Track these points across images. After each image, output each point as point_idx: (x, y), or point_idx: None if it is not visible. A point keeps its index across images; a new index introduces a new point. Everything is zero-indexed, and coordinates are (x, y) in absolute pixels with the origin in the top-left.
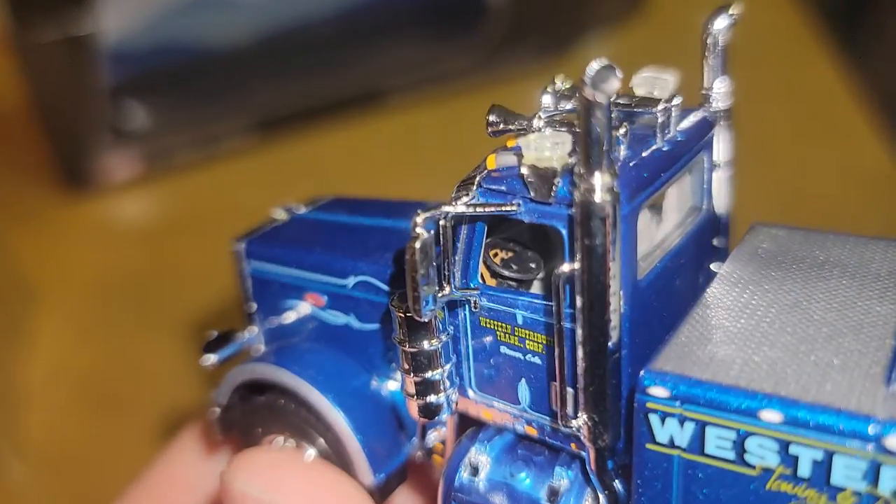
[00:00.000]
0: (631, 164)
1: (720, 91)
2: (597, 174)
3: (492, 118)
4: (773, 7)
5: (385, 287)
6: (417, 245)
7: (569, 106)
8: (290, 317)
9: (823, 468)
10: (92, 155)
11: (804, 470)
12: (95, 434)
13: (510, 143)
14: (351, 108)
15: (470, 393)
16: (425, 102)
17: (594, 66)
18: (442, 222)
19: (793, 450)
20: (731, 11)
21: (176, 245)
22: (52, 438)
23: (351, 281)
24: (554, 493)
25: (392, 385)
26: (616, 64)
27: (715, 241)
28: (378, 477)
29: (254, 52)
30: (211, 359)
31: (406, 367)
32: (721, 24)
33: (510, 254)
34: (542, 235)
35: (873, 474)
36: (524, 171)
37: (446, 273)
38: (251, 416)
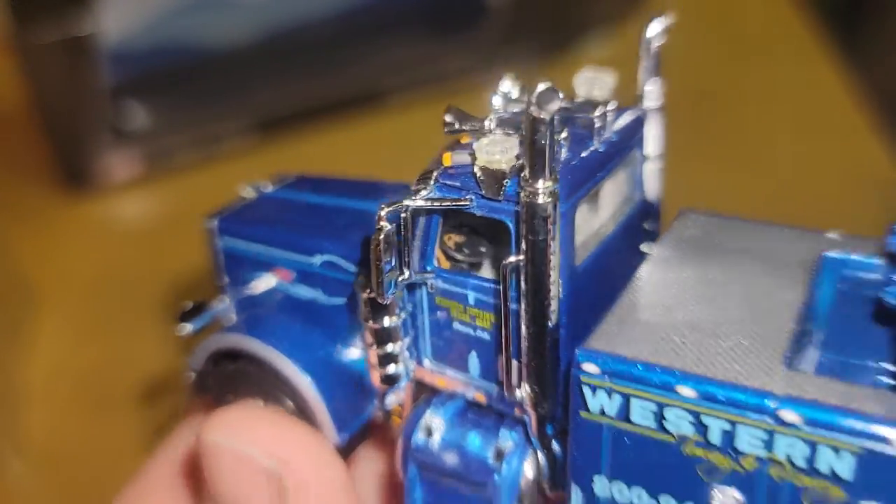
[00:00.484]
0: (570, 165)
1: (652, 91)
2: (540, 180)
3: (447, 118)
4: (773, 7)
5: (350, 267)
6: (381, 237)
7: (517, 109)
8: (259, 287)
9: (730, 436)
10: (92, 155)
11: (714, 437)
12: (95, 433)
13: (463, 140)
14: (351, 107)
15: (426, 363)
16: (425, 102)
17: (539, 87)
18: (403, 215)
19: (704, 420)
20: (662, 21)
21: (176, 245)
22: (52, 437)
23: (318, 259)
24: (500, 454)
25: (355, 353)
26: (554, 86)
27: (646, 225)
28: (342, 436)
29: (254, 52)
30: (187, 328)
31: (370, 341)
32: (654, 30)
33: (463, 238)
34: (491, 224)
35: (770, 442)
36: (477, 171)
37: (406, 259)
38: (224, 381)
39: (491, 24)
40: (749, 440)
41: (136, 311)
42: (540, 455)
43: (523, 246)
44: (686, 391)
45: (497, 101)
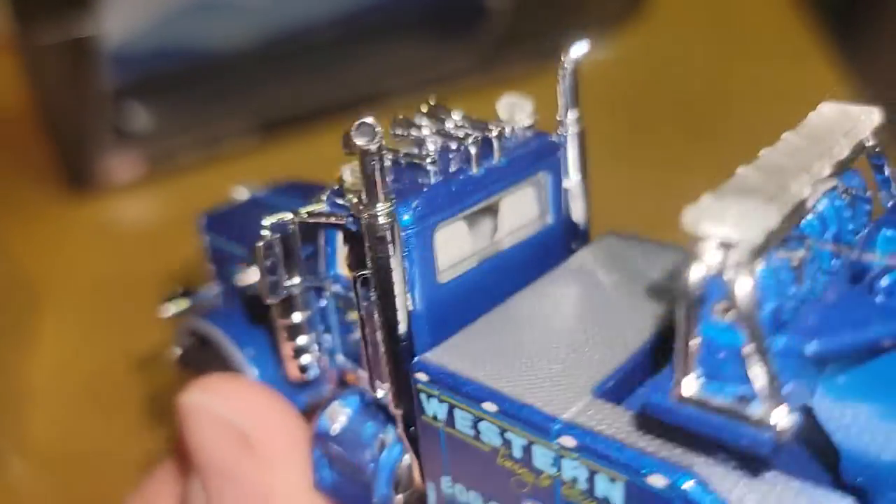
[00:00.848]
0: (438, 188)
1: (570, 119)
2: (377, 204)
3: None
4: (773, 7)
5: None
6: (260, 244)
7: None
8: (244, 280)
9: (528, 453)
10: (94, 156)
11: (517, 452)
12: (98, 433)
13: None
14: (352, 109)
15: (339, 359)
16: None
17: (357, 123)
18: (291, 227)
19: (507, 435)
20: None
21: (178, 246)
22: (55, 437)
23: None
24: (382, 445)
25: None
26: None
27: (573, 246)
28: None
29: (255, 54)
30: (167, 308)
31: (284, 336)
32: (573, 56)
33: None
34: None
35: (558, 463)
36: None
37: (296, 267)
38: (201, 357)
39: (490, 27)
40: (543, 459)
41: (139, 311)
42: (408, 451)
43: (369, 261)
44: (490, 407)
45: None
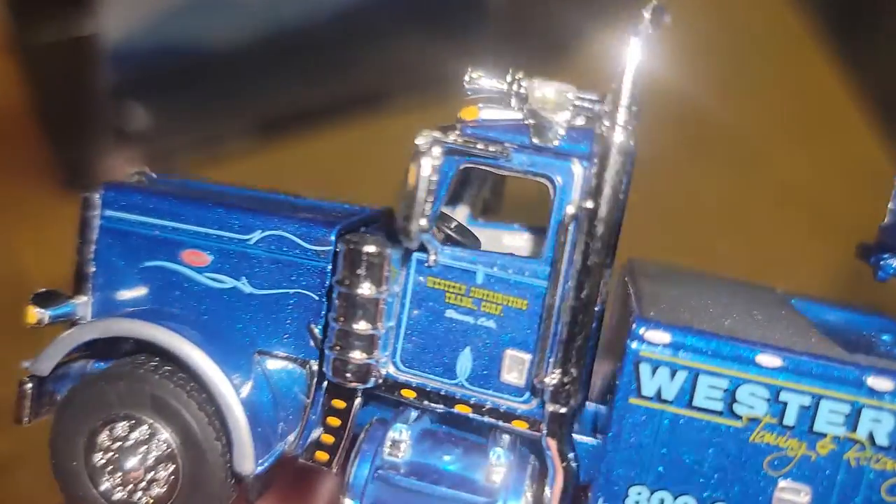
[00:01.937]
0: None
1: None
2: (622, 111)
3: (473, 74)
4: (773, 7)
5: (303, 244)
6: (426, 161)
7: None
8: (143, 289)
9: (809, 415)
10: (93, 156)
11: (790, 417)
12: None
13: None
14: (351, 109)
15: (391, 368)
16: (425, 103)
17: (650, 5)
18: (436, 150)
19: (783, 396)
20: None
21: None
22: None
23: (255, 236)
24: (494, 474)
25: (274, 366)
26: None
27: None
28: (260, 466)
29: (255, 53)
30: (43, 314)
31: (341, 313)
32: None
33: (450, 228)
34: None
35: (854, 418)
36: (527, 114)
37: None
38: (88, 392)
39: (491, 26)
40: (830, 417)
41: None
42: (551, 470)
43: (590, 194)
44: (769, 360)
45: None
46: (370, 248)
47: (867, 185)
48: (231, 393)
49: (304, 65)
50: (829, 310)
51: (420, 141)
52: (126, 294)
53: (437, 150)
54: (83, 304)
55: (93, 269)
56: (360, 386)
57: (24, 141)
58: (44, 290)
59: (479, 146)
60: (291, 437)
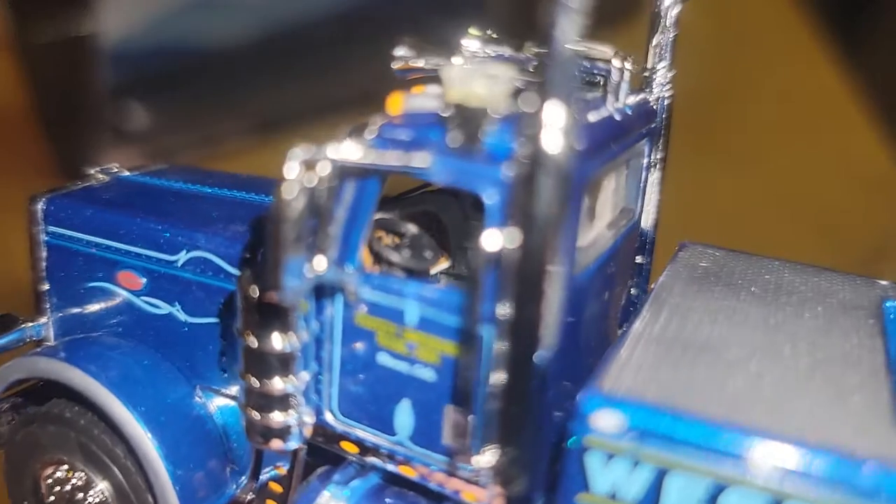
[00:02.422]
0: (583, 122)
1: (663, 76)
2: (553, 108)
3: (400, 52)
4: (774, 7)
5: (226, 266)
6: (289, 191)
7: (503, 52)
8: (91, 311)
9: None
10: (92, 155)
11: None
12: None
13: (418, 90)
14: (351, 108)
15: (328, 416)
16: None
17: None
18: (322, 175)
19: None
20: None
21: None
22: None
23: (181, 257)
24: None
25: (220, 402)
26: None
27: (638, 259)
28: None
29: (253, 52)
30: None
31: (248, 369)
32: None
33: (399, 239)
34: (439, 219)
35: None
36: (444, 109)
37: (323, 244)
38: (24, 432)
39: (490, 25)
40: None
41: None
42: None
43: (514, 223)
44: (766, 457)
45: (473, 44)
46: (267, 295)
47: (868, 185)
48: (148, 443)
49: (302, 63)
50: None
51: (290, 162)
52: (78, 314)
53: (323, 168)
54: (44, 325)
55: (45, 286)
56: (282, 447)
57: (23, 140)
58: None
59: (383, 158)
60: (244, 479)
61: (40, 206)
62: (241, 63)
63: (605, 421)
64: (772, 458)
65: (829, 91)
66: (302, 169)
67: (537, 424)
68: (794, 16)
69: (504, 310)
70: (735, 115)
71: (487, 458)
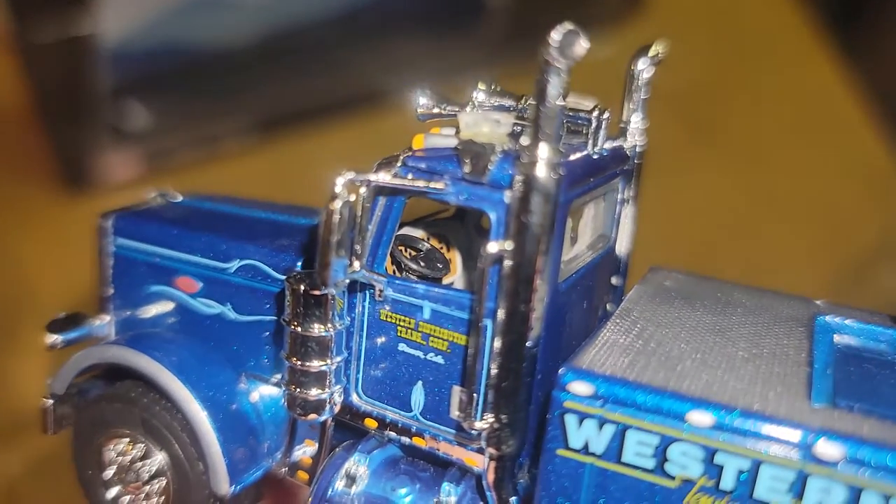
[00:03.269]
0: (567, 160)
1: (636, 128)
2: (543, 146)
3: (422, 100)
4: (774, 7)
5: (273, 273)
6: (337, 205)
7: (505, 102)
8: (150, 310)
9: (748, 479)
10: (92, 155)
11: (728, 481)
12: None
13: (435, 131)
14: (351, 107)
15: (354, 397)
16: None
17: (561, 29)
18: (362, 190)
19: (718, 458)
20: (652, 53)
21: None
22: (54, 441)
23: (234, 265)
24: None
25: (261, 389)
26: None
27: (613, 281)
28: (234, 488)
29: (254, 52)
30: (56, 339)
31: (292, 351)
32: (643, 64)
33: (416, 252)
34: (448, 240)
35: (799, 486)
36: (458, 145)
37: (358, 249)
38: (93, 409)
39: (490, 24)
40: (772, 484)
41: None
42: None
43: (511, 233)
44: (701, 418)
45: (481, 96)
46: (311, 290)
47: (868, 185)
48: (203, 419)
49: (302, 62)
50: (869, 329)
51: (337, 183)
52: (139, 315)
53: (363, 191)
54: (107, 323)
55: (111, 291)
56: (316, 419)
57: (22, 140)
58: (64, 314)
59: (411, 182)
60: (279, 455)
61: (110, 221)
62: (241, 63)
63: (579, 389)
64: (707, 418)
65: (829, 91)
66: (345, 189)
67: (526, 398)
68: (795, 16)
69: (502, 305)
70: (735, 115)
71: (485, 423)
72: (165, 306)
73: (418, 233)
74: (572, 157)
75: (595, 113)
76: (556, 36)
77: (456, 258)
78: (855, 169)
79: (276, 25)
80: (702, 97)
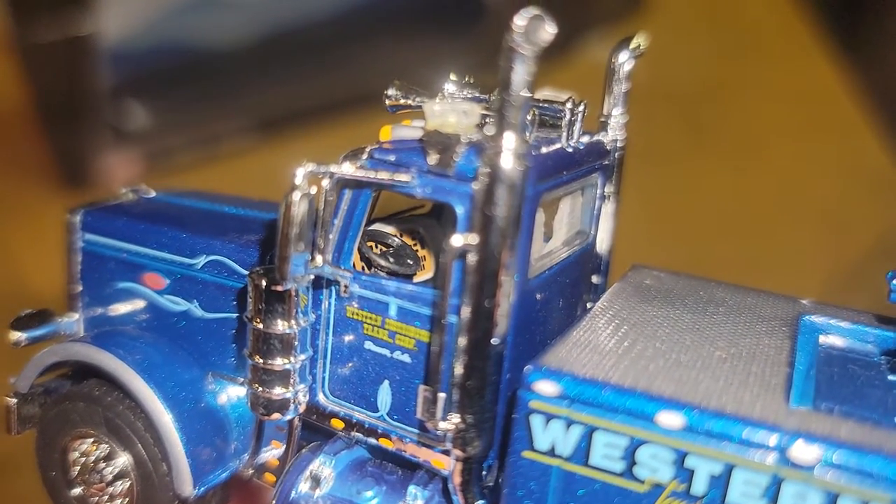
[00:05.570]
0: (537, 154)
1: (617, 121)
2: (509, 135)
3: (391, 92)
4: (774, 7)
5: (240, 269)
6: (295, 197)
7: (476, 94)
8: (119, 308)
9: (721, 484)
10: (91, 154)
11: (699, 486)
12: None
13: (406, 123)
14: (350, 107)
15: (320, 397)
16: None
17: (525, 14)
18: (325, 182)
19: (689, 462)
20: (633, 45)
21: None
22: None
23: (201, 260)
24: None
25: (228, 389)
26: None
27: (594, 279)
28: (198, 489)
29: (253, 52)
30: (20, 337)
31: (254, 349)
32: (624, 57)
33: (386, 248)
34: (423, 237)
35: (774, 491)
36: (424, 136)
37: (321, 243)
38: (57, 409)
39: (490, 24)
40: (745, 489)
41: None
42: None
43: (476, 226)
44: (671, 420)
45: (451, 87)
46: (273, 285)
47: (868, 185)
48: (166, 419)
49: (302, 62)
50: (856, 330)
51: (297, 174)
52: (107, 312)
53: (325, 183)
54: (75, 321)
55: (79, 288)
56: (280, 418)
57: (21, 139)
58: (29, 311)
59: (375, 174)
60: (246, 456)
61: (78, 217)
62: (241, 62)
63: (545, 388)
64: (678, 420)
65: (829, 91)
66: (306, 180)
67: (492, 397)
68: (794, 15)
69: (466, 301)
70: (735, 114)
71: (450, 423)
72: (133, 303)
73: (390, 229)
74: (544, 150)
75: (569, 105)
76: (520, 21)
77: (430, 256)
78: (855, 168)
79: (275, 26)
80: (701, 96)
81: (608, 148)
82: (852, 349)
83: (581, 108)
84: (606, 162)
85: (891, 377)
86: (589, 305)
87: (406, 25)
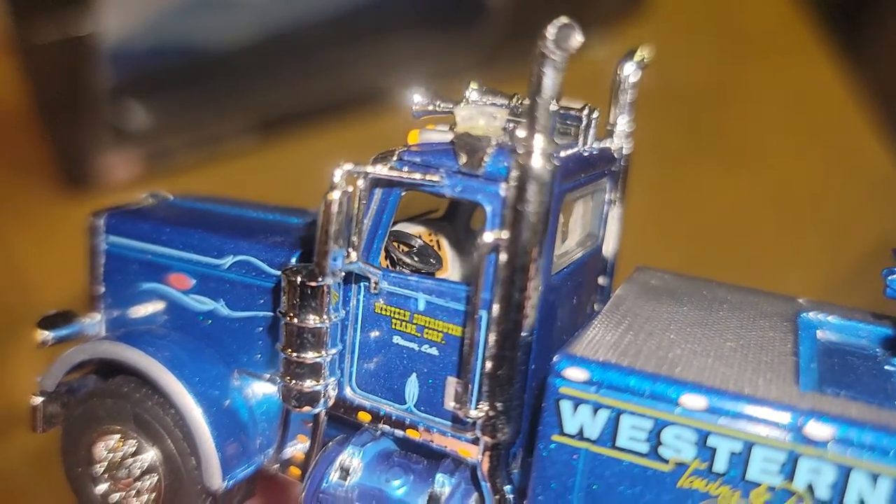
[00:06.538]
0: (558, 156)
1: (623, 130)
2: (539, 136)
3: (417, 98)
4: (774, 6)
5: (267, 269)
6: (335, 195)
7: (498, 100)
8: (142, 308)
9: (741, 461)
10: (92, 155)
11: (720, 464)
12: None
13: (430, 128)
14: (350, 108)
15: (348, 391)
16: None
17: (556, 23)
18: (360, 182)
19: (711, 441)
20: (638, 57)
21: None
22: (54, 440)
23: (228, 261)
24: (434, 501)
25: (254, 386)
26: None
27: (600, 280)
28: (227, 483)
29: (254, 52)
30: (47, 336)
31: (287, 343)
32: (629, 68)
33: (409, 248)
34: (439, 239)
35: (790, 467)
36: (454, 138)
37: (355, 240)
38: (83, 406)
39: (490, 24)
40: (764, 465)
41: None
42: (488, 499)
43: (508, 221)
44: (693, 402)
45: (474, 95)
46: (308, 281)
47: (869, 186)
48: (197, 413)
49: (302, 63)
50: (851, 325)
51: (336, 173)
52: (130, 313)
53: (360, 182)
54: (97, 322)
55: (102, 289)
56: (311, 411)
57: (21, 140)
58: (54, 311)
59: (408, 174)
60: (271, 451)
61: (102, 220)
62: (241, 63)
63: (574, 374)
64: (700, 401)
65: (830, 92)
66: (343, 179)
67: (520, 386)
68: (795, 17)
69: (498, 294)
70: (736, 115)
71: (480, 412)
72: (157, 304)
73: (412, 229)
74: (563, 154)
75: (585, 111)
76: (552, 29)
77: (446, 257)
78: (855, 170)
79: (276, 26)
80: (702, 98)
81: (615, 155)
82: (848, 344)
83: (595, 115)
84: (614, 168)
85: (887, 367)
86: (596, 307)
87: (406, 26)
